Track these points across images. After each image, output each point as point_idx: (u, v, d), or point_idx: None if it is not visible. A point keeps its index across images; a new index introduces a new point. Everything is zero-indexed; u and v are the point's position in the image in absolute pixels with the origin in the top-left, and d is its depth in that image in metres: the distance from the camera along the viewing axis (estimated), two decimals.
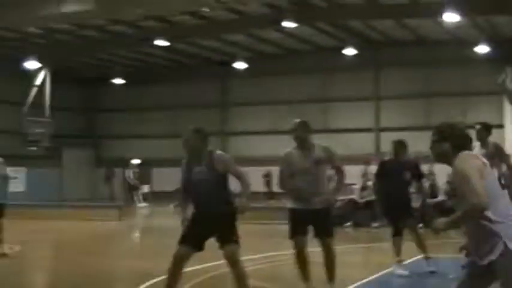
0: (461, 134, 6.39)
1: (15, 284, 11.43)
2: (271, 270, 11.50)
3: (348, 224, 22.54)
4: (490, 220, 5.82)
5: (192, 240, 8.59)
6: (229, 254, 8.57)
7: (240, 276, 8.38)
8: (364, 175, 24.51)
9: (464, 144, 6.26)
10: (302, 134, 9.85)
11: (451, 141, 6.23)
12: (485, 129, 12.91)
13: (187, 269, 11.04)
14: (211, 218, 8.52)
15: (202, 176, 8.61)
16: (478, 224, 5.79)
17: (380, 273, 11.91)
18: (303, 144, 9.83)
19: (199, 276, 10.61)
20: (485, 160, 6.08)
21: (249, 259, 8.44)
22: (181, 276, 8.67)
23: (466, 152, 6.13)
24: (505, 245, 5.69)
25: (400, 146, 12.88)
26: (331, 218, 10.50)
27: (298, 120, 10.06)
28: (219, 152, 8.92)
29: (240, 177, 8.78)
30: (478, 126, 12.84)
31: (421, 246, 12.32)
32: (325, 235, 9.73)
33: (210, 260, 11.45)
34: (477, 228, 5.88)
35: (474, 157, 6.14)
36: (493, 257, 5.71)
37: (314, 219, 9.57)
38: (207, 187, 8.62)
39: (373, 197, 22.67)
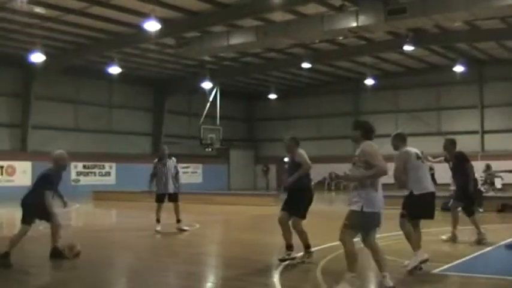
0: (367, 128, 8.10)
1: (194, 253, 11.78)
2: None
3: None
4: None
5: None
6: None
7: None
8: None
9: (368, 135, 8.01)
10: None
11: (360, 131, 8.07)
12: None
13: (325, 245, 11.13)
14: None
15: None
16: None
17: (484, 250, 11.53)
18: None
19: (333, 252, 10.59)
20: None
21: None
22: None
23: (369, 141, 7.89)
24: None
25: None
26: None
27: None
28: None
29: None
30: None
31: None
32: None
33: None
34: None
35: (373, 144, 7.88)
36: None
37: None
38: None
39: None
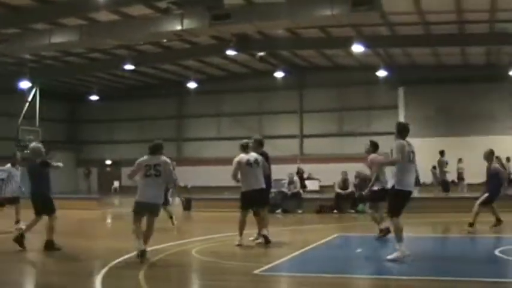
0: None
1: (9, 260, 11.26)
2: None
3: (278, 211, 22.67)
4: None
5: None
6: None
7: None
8: (292, 172, 24.76)
9: None
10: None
11: None
12: (373, 146, 13.43)
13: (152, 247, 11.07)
14: None
15: None
16: None
17: (305, 249, 11.99)
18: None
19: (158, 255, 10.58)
20: None
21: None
22: None
23: None
24: None
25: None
26: None
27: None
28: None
29: None
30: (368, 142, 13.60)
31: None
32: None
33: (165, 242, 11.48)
34: None
35: None
36: None
37: None
38: None
39: (297, 189, 23.11)
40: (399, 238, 10.03)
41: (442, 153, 28.00)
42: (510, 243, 11.78)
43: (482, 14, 26.64)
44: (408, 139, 10.35)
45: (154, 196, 10.61)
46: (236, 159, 12.45)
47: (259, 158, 12.45)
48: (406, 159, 10.08)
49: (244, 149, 12.53)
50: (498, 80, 35.31)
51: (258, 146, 12.93)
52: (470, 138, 32.81)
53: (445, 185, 27.79)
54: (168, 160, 10.78)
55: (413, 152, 10.31)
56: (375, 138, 14.03)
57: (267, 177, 12.75)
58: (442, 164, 27.91)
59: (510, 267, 10.03)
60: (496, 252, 10.87)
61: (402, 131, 10.37)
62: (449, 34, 29.61)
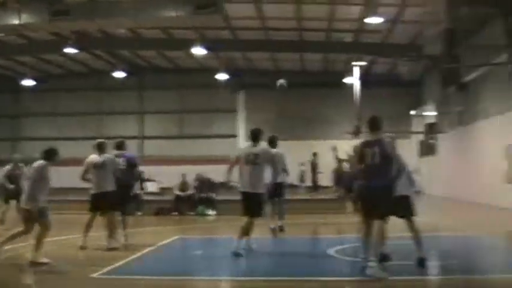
0: None
1: None
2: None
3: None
4: None
5: None
6: None
7: None
8: None
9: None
10: None
11: None
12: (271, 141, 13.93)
13: None
14: None
15: None
16: None
17: (144, 251, 11.90)
18: None
19: None
20: None
21: None
22: None
23: None
24: None
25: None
26: None
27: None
28: None
29: None
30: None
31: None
32: None
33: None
34: None
35: None
36: None
37: None
38: None
39: (138, 191, 22.82)
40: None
41: (314, 154, 29.41)
42: (341, 243, 12.28)
43: (321, 23, 27.78)
44: (249, 142, 11.40)
45: None
46: (87, 159, 12.30)
47: (110, 159, 12.16)
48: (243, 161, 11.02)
49: (98, 149, 12.29)
50: (334, 86, 36.90)
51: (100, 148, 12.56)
52: (309, 142, 33.94)
53: (316, 187, 29.04)
54: None
55: (253, 155, 11.08)
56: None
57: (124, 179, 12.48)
58: (314, 165, 29.19)
59: (343, 265, 10.48)
60: (329, 251, 11.39)
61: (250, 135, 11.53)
62: (288, 40, 30.58)
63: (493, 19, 23.03)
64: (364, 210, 9.33)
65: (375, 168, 9.00)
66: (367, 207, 9.18)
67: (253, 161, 11.14)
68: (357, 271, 8.90)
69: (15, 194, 13.62)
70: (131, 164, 12.89)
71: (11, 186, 15.94)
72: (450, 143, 30.96)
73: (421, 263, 9.32)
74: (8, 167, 16.74)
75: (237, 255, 10.65)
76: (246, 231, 11.06)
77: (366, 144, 9.24)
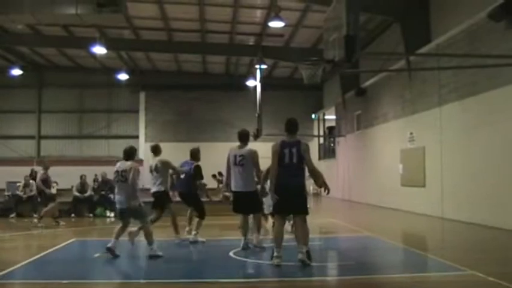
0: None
1: None
2: None
3: (12, 215, 21.74)
4: None
5: None
6: None
7: None
8: (27, 175, 23.91)
9: None
10: None
11: None
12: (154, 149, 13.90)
13: None
14: None
15: None
16: None
17: (40, 255, 11.56)
18: None
19: None
20: None
21: None
22: None
23: None
24: None
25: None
26: None
27: None
28: None
29: None
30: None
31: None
32: None
33: None
34: None
35: None
36: None
37: None
38: None
39: (33, 193, 22.14)
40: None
41: None
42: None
43: (224, 25, 27.86)
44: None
45: None
46: None
47: None
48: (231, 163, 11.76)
49: None
50: (237, 89, 37.16)
51: None
52: (210, 144, 33.90)
53: None
54: None
55: (240, 156, 11.67)
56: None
57: None
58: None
59: (242, 267, 10.53)
60: (230, 253, 11.40)
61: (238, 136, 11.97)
62: (191, 42, 30.50)
63: (390, 26, 23.76)
64: (280, 207, 9.87)
65: (292, 168, 9.65)
66: (284, 205, 9.75)
67: (240, 162, 11.60)
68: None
69: None
70: None
71: None
72: (349, 146, 31.68)
73: (305, 262, 9.69)
74: None
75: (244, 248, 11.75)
76: (244, 229, 12.02)
77: (283, 145, 9.82)
